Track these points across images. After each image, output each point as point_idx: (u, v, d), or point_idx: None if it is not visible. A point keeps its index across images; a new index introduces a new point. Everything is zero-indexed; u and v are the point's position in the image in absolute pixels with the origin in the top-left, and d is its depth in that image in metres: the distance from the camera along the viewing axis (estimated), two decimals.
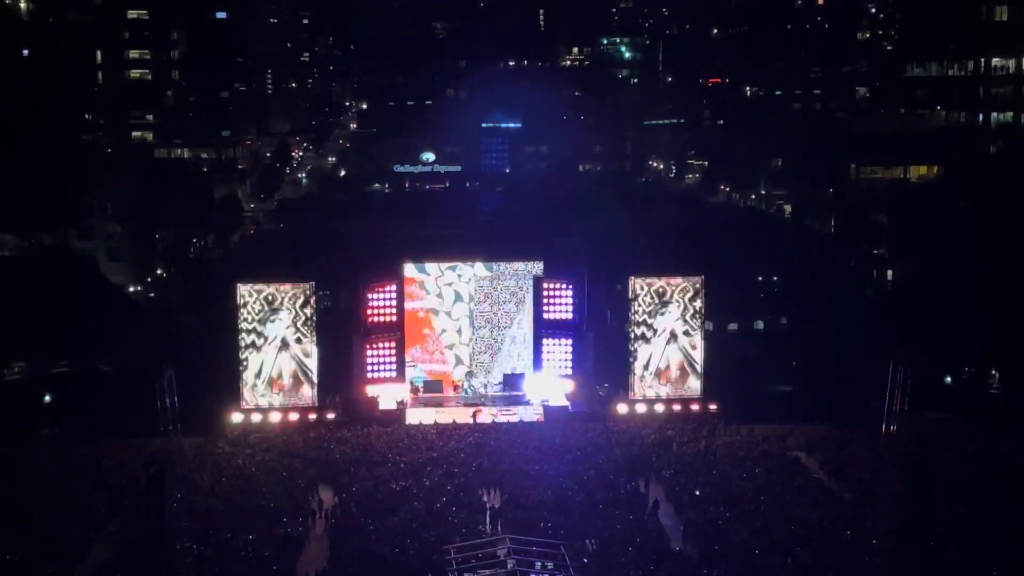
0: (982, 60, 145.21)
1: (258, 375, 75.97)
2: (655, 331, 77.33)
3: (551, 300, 79.94)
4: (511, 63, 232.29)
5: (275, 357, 76.05)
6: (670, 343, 77.33)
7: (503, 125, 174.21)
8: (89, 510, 61.09)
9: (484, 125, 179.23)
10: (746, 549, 54.77)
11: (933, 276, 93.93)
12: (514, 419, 76.14)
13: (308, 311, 76.44)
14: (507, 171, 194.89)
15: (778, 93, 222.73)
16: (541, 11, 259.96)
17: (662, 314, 77.34)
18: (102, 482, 65.37)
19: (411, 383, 79.62)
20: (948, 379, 78.92)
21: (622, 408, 76.78)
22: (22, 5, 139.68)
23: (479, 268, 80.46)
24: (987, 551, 53.77)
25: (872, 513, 45.70)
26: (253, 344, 76.04)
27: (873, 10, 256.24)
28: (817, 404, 77.34)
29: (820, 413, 75.31)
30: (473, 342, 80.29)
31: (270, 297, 76.22)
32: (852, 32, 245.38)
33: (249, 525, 58.56)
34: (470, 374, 79.86)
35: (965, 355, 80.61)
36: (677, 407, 76.70)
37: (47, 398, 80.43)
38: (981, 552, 53.72)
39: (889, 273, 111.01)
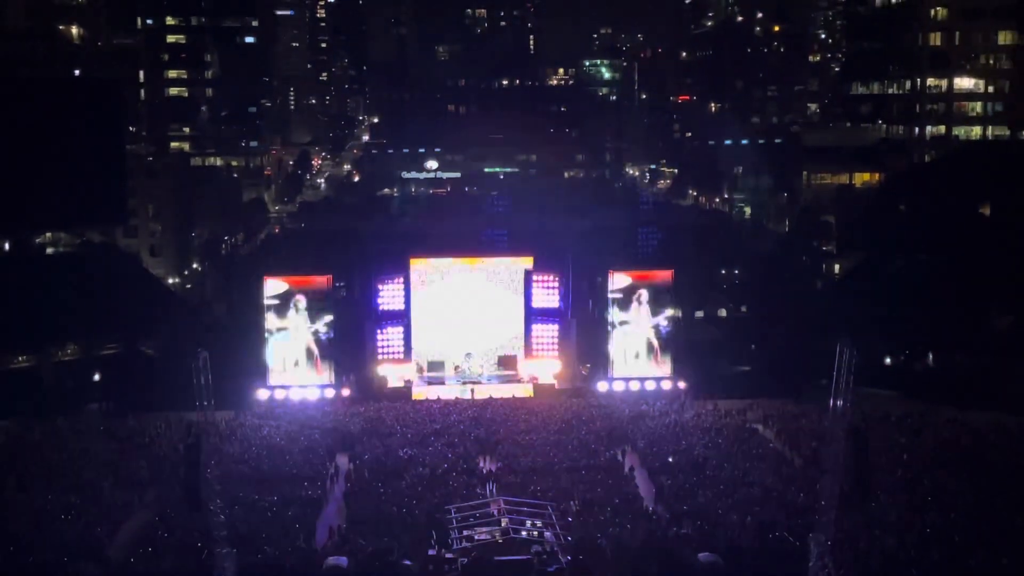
0: (917, 80, 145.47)
1: (282, 356, 76.06)
2: (631, 318, 77.51)
3: (539, 289, 79.94)
4: (504, 82, 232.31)
5: (297, 340, 76.14)
6: (645, 327, 77.50)
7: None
8: (133, 476, 61.13)
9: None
10: (711, 509, 55.00)
11: (875, 269, 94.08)
12: (507, 395, 76.23)
13: (326, 300, 76.54)
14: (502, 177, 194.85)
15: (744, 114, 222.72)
16: (531, 37, 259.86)
17: (637, 302, 77.47)
18: (144, 451, 65.41)
19: (417, 363, 79.69)
20: (888, 360, 79.21)
21: (602, 386, 76.92)
22: (74, 30, 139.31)
23: (477, 263, 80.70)
24: (919, 509, 54.13)
25: (820, 477, 45.74)
26: (277, 328, 76.13)
27: (823, 36, 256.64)
28: (773, 382, 77.62)
29: (776, 389, 75.55)
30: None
31: (293, 287, 76.30)
32: (804, 55, 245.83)
33: (274, 488, 58.66)
34: (469, 355, 79.82)
35: (903, 339, 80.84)
36: (650, 385, 76.84)
37: (96, 376, 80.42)
38: (914, 509, 54.08)
39: (836, 267, 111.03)
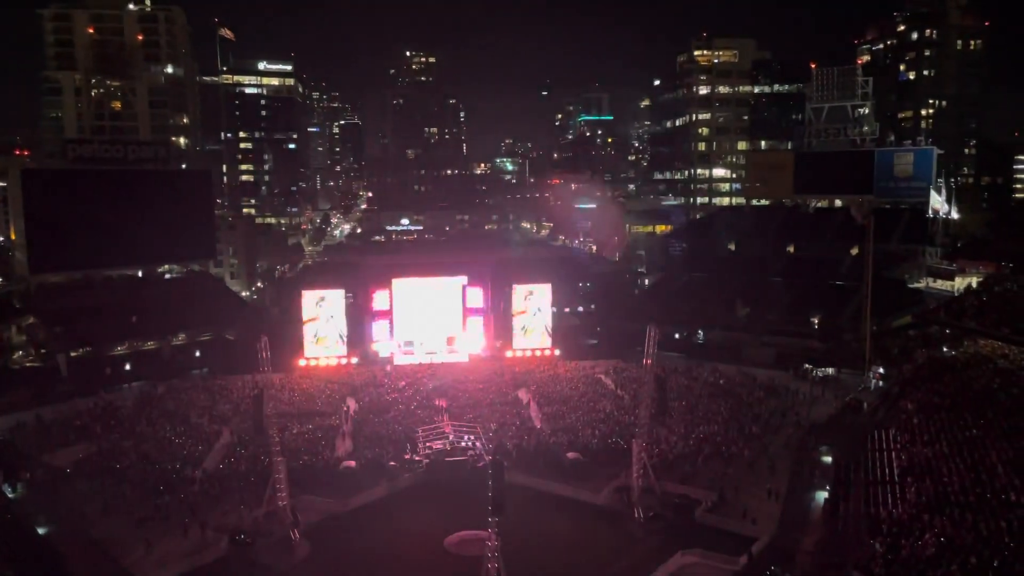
0: (692, 170, 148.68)
1: (313, 338, 74.77)
2: (526, 311, 77.68)
3: (471, 296, 79.75)
4: (448, 172, 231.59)
5: (323, 328, 74.85)
6: (535, 317, 77.73)
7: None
8: (220, 414, 59.81)
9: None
10: (574, 426, 55.50)
11: (668, 282, 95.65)
12: (452, 361, 75.90)
13: (341, 303, 75.46)
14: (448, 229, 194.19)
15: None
16: (464, 144, 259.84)
17: (529, 302, 77.76)
18: (228, 398, 64.04)
19: (397, 341, 78.82)
20: (676, 335, 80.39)
21: (508, 353, 76.99)
22: (181, 140, 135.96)
23: (433, 280, 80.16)
24: (696, 423, 55.17)
25: (638, 405, 46.39)
26: (311, 320, 74.82)
27: (636, 144, 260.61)
28: (610, 349, 78.45)
29: (611, 353, 76.46)
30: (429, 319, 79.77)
31: (321, 296, 75.09)
32: (625, 156, 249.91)
33: (309, 420, 57.90)
34: (429, 337, 79.09)
35: (685, 322, 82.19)
36: (538, 352, 77.12)
37: (197, 353, 78.31)
38: (693, 423, 55.12)
39: (646, 280, 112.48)
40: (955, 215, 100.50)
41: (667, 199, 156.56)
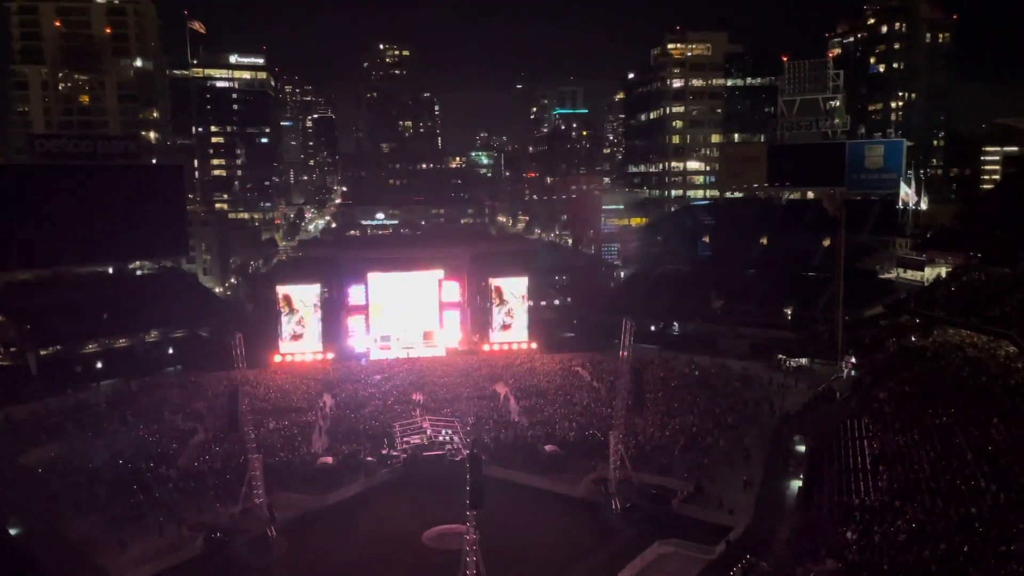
0: (666, 163, 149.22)
1: (289, 334, 74.16)
2: (503, 304, 77.63)
3: (447, 290, 79.53)
4: (423, 165, 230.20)
5: (298, 324, 74.30)
6: (512, 310, 77.75)
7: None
8: (195, 411, 59.12)
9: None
10: (551, 419, 55.57)
11: (643, 274, 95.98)
12: (429, 355, 75.74)
13: (316, 299, 74.92)
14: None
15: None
16: (438, 138, 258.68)
17: (501, 296, 77.71)
18: (202, 395, 63.30)
19: (373, 336, 78.42)
20: (652, 327, 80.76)
21: (486, 347, 76.96)
22: (152, 135, 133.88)
23: (409, 275, 79.74)
24: (672, 414, 55.47)
25: (615, 397, 46.53)
26: (286, 316, 74.21)
27: (611, 137, 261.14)
28: (587, 342, 78.62)
29: (588, 346, 76.64)
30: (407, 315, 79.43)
31: (295, 292, 74.53)
32: (600, 149, 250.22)
33: (285, 416, 57.43)
34: (405, 331, 78.84)
35: (661, 314, 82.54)
36: (515, 345, 77.18)
37: (171, 350, 77.35)
38: (669, 414, 55.41)
39: (622, 273, 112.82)
40: (924, 206, 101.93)
41: (641, 192, 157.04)
